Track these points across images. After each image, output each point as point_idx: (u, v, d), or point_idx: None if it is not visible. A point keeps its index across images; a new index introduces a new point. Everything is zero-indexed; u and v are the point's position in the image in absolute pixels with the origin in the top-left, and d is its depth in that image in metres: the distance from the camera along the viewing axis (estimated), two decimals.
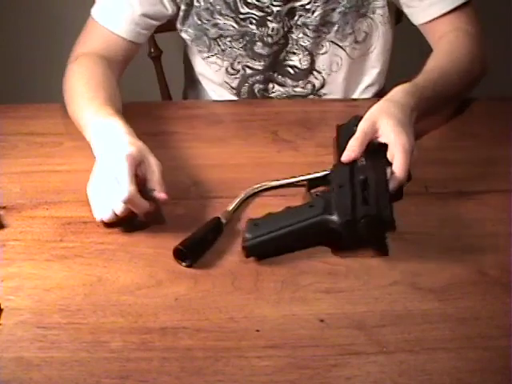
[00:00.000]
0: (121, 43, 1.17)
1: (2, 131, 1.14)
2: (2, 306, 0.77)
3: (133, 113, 1.12)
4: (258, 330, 0.74)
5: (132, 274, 0.82)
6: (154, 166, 0.90)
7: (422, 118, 0.99)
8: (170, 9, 1.17)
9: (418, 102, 0.97)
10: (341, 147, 0.95)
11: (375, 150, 0.91)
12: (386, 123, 0.91)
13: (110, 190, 0.86)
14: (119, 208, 0.86)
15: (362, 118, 0.96)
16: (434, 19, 1.15)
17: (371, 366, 0.69)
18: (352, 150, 0.89)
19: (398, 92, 0.98)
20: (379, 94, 1.28)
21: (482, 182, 0.96)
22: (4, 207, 0.94)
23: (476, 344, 0.72)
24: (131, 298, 0.79)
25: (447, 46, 1.13)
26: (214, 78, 1.27)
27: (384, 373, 0.68)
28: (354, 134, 0.93)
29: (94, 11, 1.17)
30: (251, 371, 0.69)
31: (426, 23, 1.16)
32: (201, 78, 1.32)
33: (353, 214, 0.82)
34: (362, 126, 0.91)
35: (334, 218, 0.83)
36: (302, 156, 1.04)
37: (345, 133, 1.00)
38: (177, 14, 1.19)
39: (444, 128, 1.09)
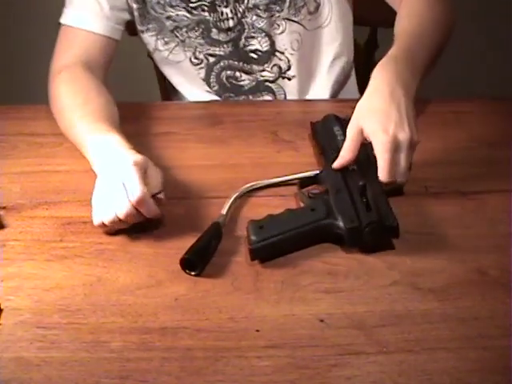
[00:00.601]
0: (99, 42, 1.17)
1: (3, 132, 1.14)
2: (1, 306, 0.77)
3: (133, 113, 1.12)
4: (257, 330, 0.74)
5: (132, 274, 0.82)
6: (158, 173, 0.91)
7: (414, 84, 0.96)
8: (130, 1, 1.18)
9: (402, 76, 0.94)
10: (325, 150, 0.98)
11: (365, 151, 0.91)
12: (367, 123, 0.89)
13: (115, 194, 0.85)
14: (124, 210, 0.84)
15: (337, 116, 1.00)
16: None
17: (371, 366, 0.69)
18: (344, 159, 0.90)
19: (377, 76, 0.95)
20: (348, 68, 1.29)
21: (481, 182, 0.96)
22: (4, 207, 0.94)
23: (476, 344, 0.72)
24: (131, 298, 0.79)
25: (410, 6, 1.11)
26: (186, 75, 1.27)
27: (384, 373, 0.68)
28: (334, 134, 0.97)
29: (65, 19, 1.17)
30: (251, 371, 0.69)
31: None
32: (176, 84, 1.32)
33: (358, 220, 0.82)
34: (350, 134, 0.90)
35: (340, 223, 0.83)
36: (302, 156, 1.04)
37: (324, 133, 1.02)
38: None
39: (444, 128, 1.09)
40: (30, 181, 1.01)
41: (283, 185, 0.96)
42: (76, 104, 1.07)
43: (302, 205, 0.92)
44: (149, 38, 1.23)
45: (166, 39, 1.22)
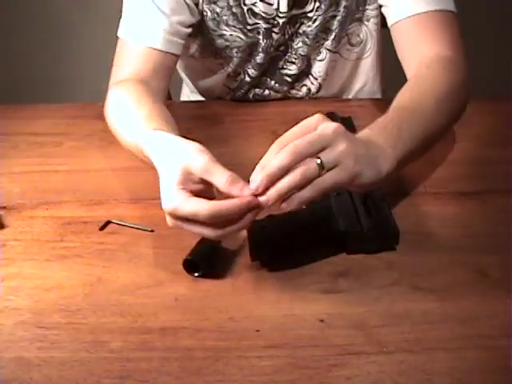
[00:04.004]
0: (157, 57, 1.06)
1: (3, 131, 1.14)
2: (1, 306, 0.77)
3: None
4: (258, 330, 0.74)
5: (132, 274, 0.82)
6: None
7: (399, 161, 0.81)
8: (196, 15, 1.12)
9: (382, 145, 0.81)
10: None
11: None
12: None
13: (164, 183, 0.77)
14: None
15: (337, 115, 1.02)
16: (405, 19, 1.04)
17: (371, 366, 0.69)
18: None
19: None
20: (373, 92, 1.29)
21: (481, 182, 0.96)
22: (4, 207, 0.94)
23: (476, 344, 0.72)
24: (131, 298, 0.79)
25: (419, 81, 0.97)
26: (213, 82, 1.26)
27: (384, 373, 0.68)
28: None
29: (123, 32, 1.07)
30: (251, 371, 0.69)
31: (397, 24, 1.06)
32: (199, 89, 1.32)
33: (359, 226, 0.83)
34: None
35: (341, 227, 0.84)
36: None
37: None
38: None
39: None
40: (29, 181, 1.01)
41: None
42: (124, 117, 0.96)
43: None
44: (191, 43, 1.18)
45: (204, 55, 1.20)
